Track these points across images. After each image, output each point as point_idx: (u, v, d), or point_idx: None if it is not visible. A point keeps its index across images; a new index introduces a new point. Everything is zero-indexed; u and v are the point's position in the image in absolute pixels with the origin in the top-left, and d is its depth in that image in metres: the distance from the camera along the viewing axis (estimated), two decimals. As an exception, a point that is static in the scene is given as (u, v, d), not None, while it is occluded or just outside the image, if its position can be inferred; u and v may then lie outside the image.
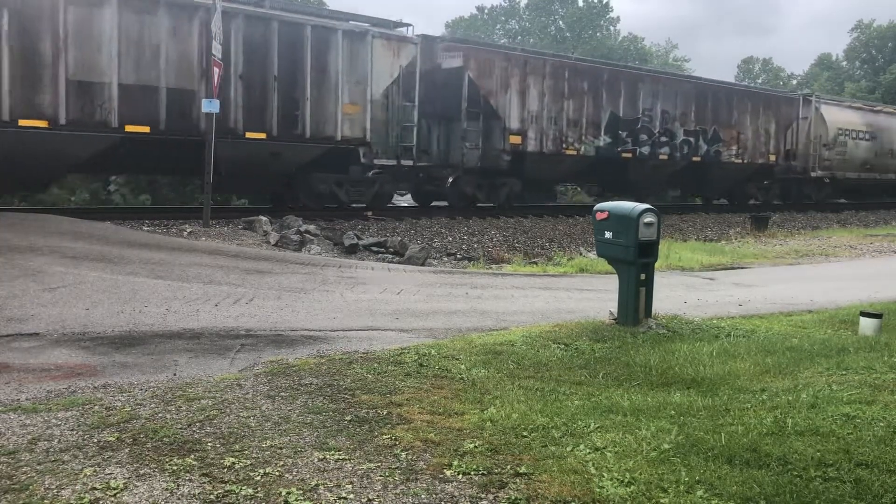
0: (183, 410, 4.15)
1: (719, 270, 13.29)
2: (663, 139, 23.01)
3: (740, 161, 25.59)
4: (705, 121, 24.33)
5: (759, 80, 66.13)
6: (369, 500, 3.11)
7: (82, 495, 3.05)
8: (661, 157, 22.91)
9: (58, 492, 3.08)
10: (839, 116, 29.32)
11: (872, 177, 30.75)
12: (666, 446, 3.69)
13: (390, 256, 13.35)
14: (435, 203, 20.51)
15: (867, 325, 6.78)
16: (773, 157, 26.64)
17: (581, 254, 15.01)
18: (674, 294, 9.65)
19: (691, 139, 23.87)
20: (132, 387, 4.67)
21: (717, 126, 24.64)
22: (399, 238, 14.48)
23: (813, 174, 28.09)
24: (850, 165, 29.32)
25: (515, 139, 19.25)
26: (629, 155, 22.02)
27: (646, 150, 22.42)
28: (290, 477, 3.30)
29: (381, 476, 3.34)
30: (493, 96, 18.88)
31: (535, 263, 13.75)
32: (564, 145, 20.48)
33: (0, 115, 12.08)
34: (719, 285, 11.05)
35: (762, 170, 26.76)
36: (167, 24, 13.52)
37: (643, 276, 6.83)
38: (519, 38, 57.19)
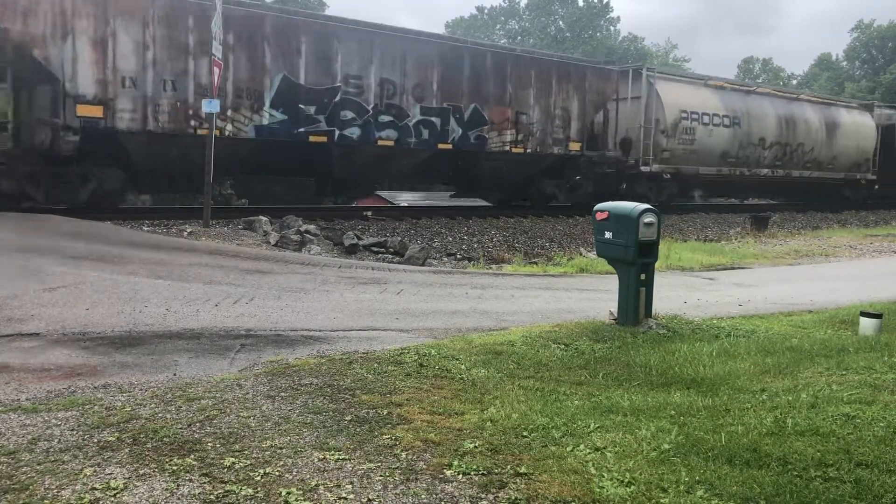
0: (183, 410, 4.15)
1: (719, 270, 13.29)
2: (385, 119, 16.94)
3: (521, 150, 19.29)
4: (458, 95, 18.02)
5: (760, 80, 65.53)
6: (369, 500, 3.11)
7: (82, 495, 3.05)
8: (382, 142, 16.98)
9: (58, 492, 3.08)
10: (684, 96, 22.96)
11: (736, 172, 24.70)
12: (666, 446, 3.69)
13: (390, 256, 13.35)
14: None
15: (867, 325, 6.78)
16: (575, 146, 20.32)
17: (581, 254, 15.01)
18: (674, 294, 9.65)
19: (435, 120, 17.69)
20: (132, 387, 4.67)
21: (478, 103, 18.38)
22: (399, 238, 14.48)
23: (645, 169, 21.75)
24: (703, 158, 23.34)
25: (89, 110, 13.38)
26: (322, 139, 16.11)
27: (354, 132, 16.51)
28: (290, 477, 3.30)
29: (381, 476, 3.34)
30: (40, 44, 12.88)
31: (535, 263, 13.75)
32: (194, 122, 14.34)
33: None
34: (719, 285, 11.05)
35: (562, 162, 20.57)
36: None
37: (643, 276, 6.83)
38: (519, 38, 57.17)
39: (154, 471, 3.31)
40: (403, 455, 3.57)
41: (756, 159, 25.32)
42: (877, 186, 30.52)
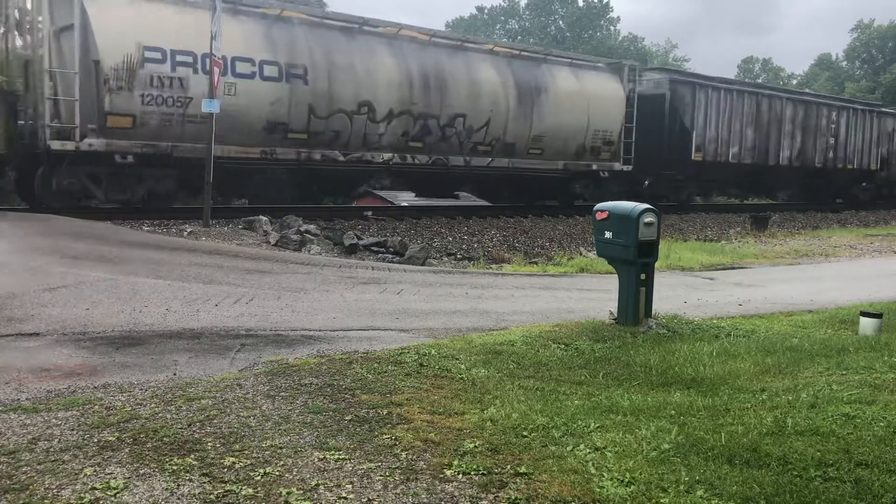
0: (183, 410, 4.15)
1: (719, 270, 13.29)
2: None
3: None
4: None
5: (760, 80, 65.60)
6: (369, 500, 3.11)
7: (82, 495, 3.05)
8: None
9: (58, 492, 3.08)
10: (148, 16, 13.60)
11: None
12: (666, 446, 3.69)
13: (390, 256, 13.34)
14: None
15: (867, 325, 6.79)
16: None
17: (581, 254, 15.01)
18: (674, 294, 9.65)
19: None
20: (132, 387, 4.67)
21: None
22: (399, 238, 14.47)
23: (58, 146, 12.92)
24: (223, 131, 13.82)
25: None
26: None
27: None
28: (291, 477, 3.30)
29: (381, 476, 3.34)
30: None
31: (535, 263, 13.75)
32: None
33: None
34: (719, 285, 11.05)
35: None
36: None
37: (643, 276, 6.83)
38: (519, 38, 57.19)
39: (154, 470, 3.31)
40: (403, 455, 3.57)
41: (318, 130, 15.73)
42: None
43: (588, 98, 20.16)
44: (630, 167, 21.34)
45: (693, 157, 23.25)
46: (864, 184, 31.33)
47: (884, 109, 32.57)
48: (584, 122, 20.11)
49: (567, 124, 19.84)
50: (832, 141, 28.47)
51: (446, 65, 17.77)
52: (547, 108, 19.36)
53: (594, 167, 20.83)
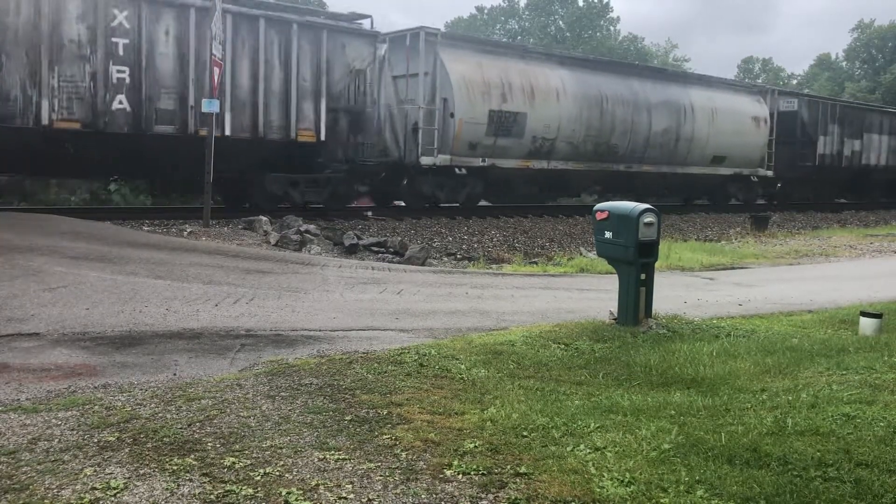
0: (183, 410, 4.15)
1: (719, 270, 13.29)
2: None
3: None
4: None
5: (760, 80, 65.67)
6: (369, 500, 3.11)
7: (82, 495, 3.05)
8: None
9: (58, 492, 3.08)
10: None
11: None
12: (666, 446, 3.69)
13: (390, 256, 13.34)
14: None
15: (867, 325, 6.78)
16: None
17: (581, 254, 15.01)
18: (674, 294, 9.65)
19: None
20: (132, 387, 4.67)
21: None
22: (399, 238, 14.47)
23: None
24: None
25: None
26: None
27: None
28: (290, 477, 3.30)
29: (381, 476, 3.34)
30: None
31: (535, 263, 13.75)
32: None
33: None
34: (719, 285, 11.05)
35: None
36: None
37: (643, 276, 6.83)
38: (519, 37, 57.18)
39: (154, 471, 3.31)
40: (403, 455, 3.57)
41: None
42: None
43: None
44: (772, 172, 26.65)
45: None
46: None
47: None
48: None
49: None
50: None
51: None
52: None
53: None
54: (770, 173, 26.58)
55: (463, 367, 5.27)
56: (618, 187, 22.89)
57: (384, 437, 3.80)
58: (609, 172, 21.92)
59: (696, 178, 24.74)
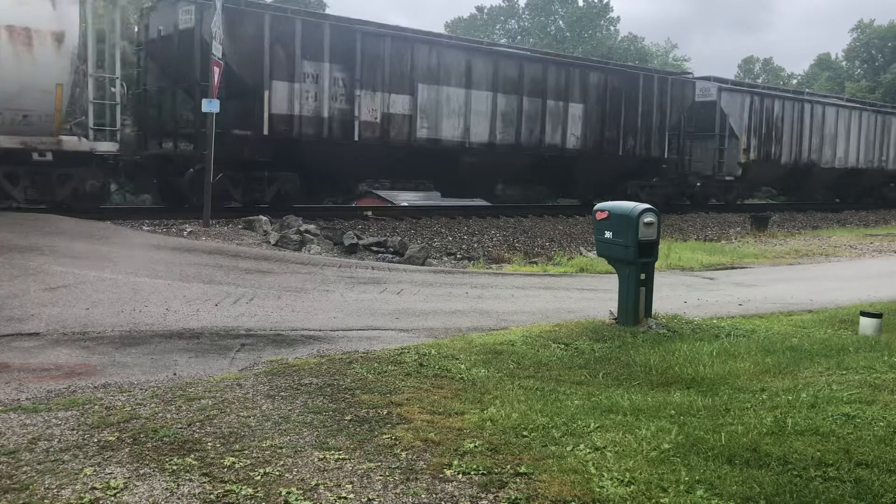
0: (183, 410, 4.15)
1: (719, 270, 13.29)
2: None
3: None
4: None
5: (760, 80, 65.68)
6: (369, 499, 3.11)
7: (82, 495, 3.05)
8: None
9: (58, 491, 3.08)
10: None
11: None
12: (666, 446, 3.69)
13: (390, 256, 13.35)
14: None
15: (867, 325, 6.78)
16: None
17: (581, 253, 15.01)
18: (674, 294, 9.65)
19: None
20: (132, 386, 4.67)
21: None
22: (399, 238, 14.47)
23: None
24: None
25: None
26: None
27: None
28: (290, 476, 3.30)
29: (381, 476, 3.34)
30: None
31: (535, 263, 13.75)
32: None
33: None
34: (719, 285, 11.05)
35: None
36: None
37: (643, 276, 6.82)
38: (519, 38, 57.18)
39: (154, 470, 3.31)
40: (403, 455, 3.57)
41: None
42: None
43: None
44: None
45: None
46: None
47: None
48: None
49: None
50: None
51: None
52: None
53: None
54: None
55: (463, 366, 5.27)
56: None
57: (384, 436, 3.80)
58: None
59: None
